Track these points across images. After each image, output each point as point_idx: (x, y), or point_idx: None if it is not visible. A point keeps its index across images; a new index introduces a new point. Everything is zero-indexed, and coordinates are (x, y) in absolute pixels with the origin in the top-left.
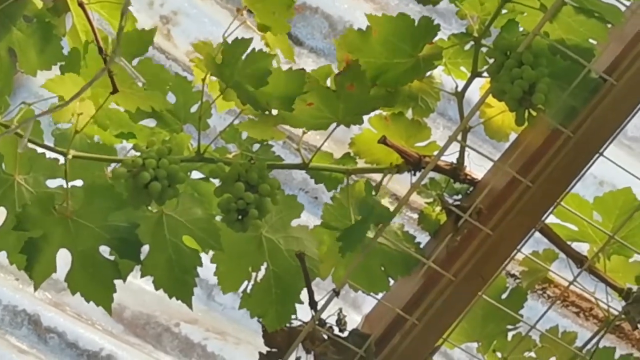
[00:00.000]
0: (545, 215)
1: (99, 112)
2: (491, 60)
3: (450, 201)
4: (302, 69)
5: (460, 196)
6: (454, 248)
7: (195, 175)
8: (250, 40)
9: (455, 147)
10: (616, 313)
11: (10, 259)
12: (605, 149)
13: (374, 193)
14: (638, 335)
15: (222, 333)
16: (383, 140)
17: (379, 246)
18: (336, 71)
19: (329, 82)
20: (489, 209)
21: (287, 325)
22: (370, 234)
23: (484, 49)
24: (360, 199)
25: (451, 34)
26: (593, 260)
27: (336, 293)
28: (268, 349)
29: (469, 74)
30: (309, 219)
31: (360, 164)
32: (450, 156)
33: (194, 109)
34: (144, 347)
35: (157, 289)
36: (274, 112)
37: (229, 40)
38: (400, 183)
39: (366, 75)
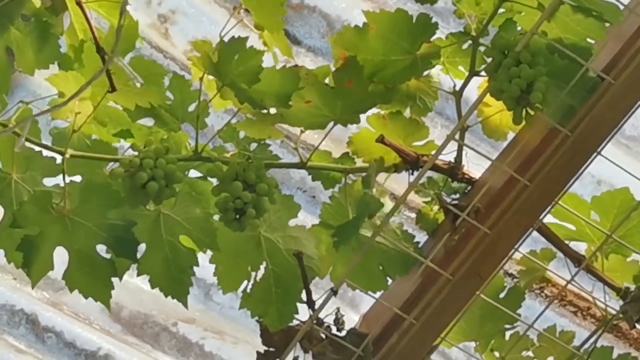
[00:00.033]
0: (543, 215)
1: (98, 111)
2: (489, 60)
3: (448, 200)
4: (296, 65)
5: (458, 195)
6: (452, 247)
7: (193, 174)
8: (245, 39)
9: (453, 146)
10: (614, 312)
11: (8, 257)
12: (603, 148)
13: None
14: (636, 334)
15: (219, 332)
16: (381, 139)
17: (378, 245)
18: (333, 70)
19: (327, 82)
20: (487, 208)
21: None
22: (369, 233)
23: (481, 48)
24: (358, 197)
25: (449, 33)
26: (591, 260)
27: (334, 292)
28: (266, 348)
29: (466, 73)
30: (306, 218)
31: (359, 163)
32: (448, 155)
33: (191, 107)
34: (142, 346)
35: (153, 287)
36: (272, 111)
37: (226, 39)
38: (398, 182)
39: (364, 71)
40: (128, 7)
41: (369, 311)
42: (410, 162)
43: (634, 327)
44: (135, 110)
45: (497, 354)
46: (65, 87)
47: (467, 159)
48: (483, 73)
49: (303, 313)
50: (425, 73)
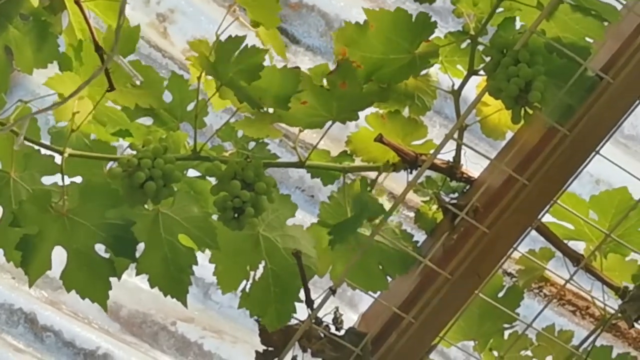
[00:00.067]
0: (542, 214)
1: (96, 110)
2: (488, 59)
3: (447, 199)
4: (297, 67)
5: (456, 194)
6: (451, 246)
7: (192, 173)
8: (243, 37)
9: (451, 145)
10: (612, 312)
11: (6, 256)
12: (602, 147)
13: (369, 189)
14: (634, 333)
15: (218, 332)
16: (379, 139)
17: (377, 244)
18: (333, 67)
19: (325, 81)
20: (486, 208)
21: None
22: (367, 232)
23: (480, 47)
24: (357, 197)
25: (448, 32)
26: (589, 259)
27: (333, 291)
28: (264, 348)
29: (465, 72)
30: (305, 217)
31: (357, 162)
32: (446, 154)
33: (190, 107)
34: (141, 345)
35: (152, 287)
36: (270, 110)
37: (223, 37)
38: (397, 181)
39: (357, 73)
40: (127, 6)
41: (368, 310)
42: (408, 162)
43: (633, 326)
44: (134, 109)
45: (495, 353)
46: (63, 88)
47: (465, 158)
48: (482, 72)
49: (302, 312)
50: (424, 72)
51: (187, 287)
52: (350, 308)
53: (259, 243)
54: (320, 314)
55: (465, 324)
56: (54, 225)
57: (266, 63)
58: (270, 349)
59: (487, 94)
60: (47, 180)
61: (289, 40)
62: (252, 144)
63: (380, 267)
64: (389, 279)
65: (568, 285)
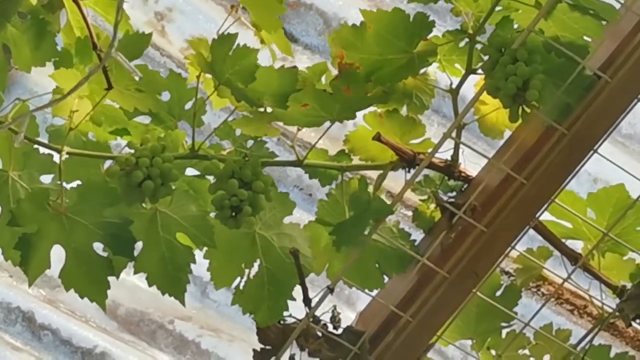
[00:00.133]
0: (540, 213)
1: (95, 109)
2: (486, 57)
3: (445, 198)
4: (295, 67)
5: (454, 193)
6: (448, 245)
7: (190, 172)
8: (235, 35)
9: (449, 144)
10: (610, 310)
11: (4, 255)
12: (600, 146)
13: (370, 190)
14: (632, 332)
15: (216, 330)
16: (378, 138)
17: (374, 243)
18: (331, 68)
19: (323, 79)
20: (483, 206)
21: (281, 322)
22: (365, 231)
23: (478, 46)
24: (354, 195)
25: (446, 31)
26: (587, 258)
27: (330, 290)
28: (262, 346)
29: (463, 71)
30: (302, 216)
31: (355, 161)
32: (444, 153)
33: (188, 105)
34: (138, 344)
35: (150, 285)
36: (269, 109)
37: None
38: (395, 180)
39: (361, 77)
40: (125, 5)
41: (366, 309)
42: (406, 160)
43: (630, 325)
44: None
45: (493, 352)
46: (66, 83)
47: (463, 157)
48: (480, 71)
49: (299, 311)
50: (422, 71)
51: (185, 286)
52: (347, 307)
53: (255, 241)
54: (317, 313)
55: (462, 323)
56: (52, 224)
57: (267, 62)
58: (267, 347)
59: (485, 92)
60: (45, 179)
61: (287, 38)
62: (250, 143)
63: (378, 265)
64: (387, 277)
65: (566, 284)
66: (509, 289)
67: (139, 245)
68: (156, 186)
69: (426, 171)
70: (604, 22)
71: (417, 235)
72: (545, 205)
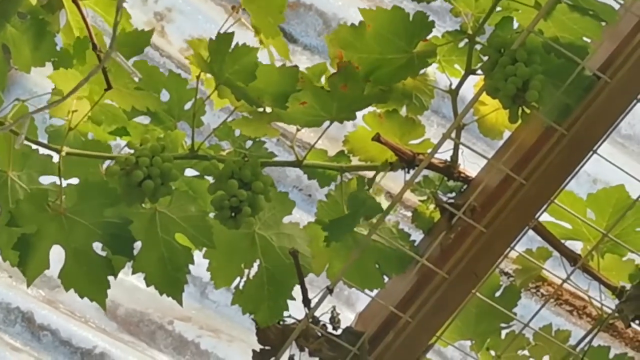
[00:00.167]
0: (539, 213)
1: (94, 108)
2: (485, 58)
3: (444, 199)
4: (295, 66)
5: (454, 194)
6: (448, 246)
7: (189, 172)
8: (232, 34)
9: (449, 144)
10: (609, 311)
11: (3, 255)
12: (599, 146)
13: (366, 188)
14: (631, 333)
15: (215, 330)
16: (377, 138)
17: (374, 243)
18: (330, 68)
19: (323, 80)
20: (483, 207)
21: (281, 322)
22: (364, 231)
23: (478, 47)
24: (352, 194)
25: (445, 31)
26: (586, 259)
27: (330, 291)
28: (261, 347)
29: (463, 72)
30: (302, 216)
31: (354, 161)
32: (444, 154)
33: (187, 106)
34: (138, 344)
35: (148, 285)
36: (268, 109)
37: None
38: (394, 181)
39: (359, 75)
40: (124, 5)
41: (365, 310)
42: (406, 161)
43: (630, 326)
44: (132, 109)
45: (492, 352)
46: (64, 84)
47: (463, 157)
48: (479, 71)
49: (299, 311)
50: (422, 71)
51: (183, 287)
52: (347, 307)
53: (254, 241)
54: (317, 313)
55: (462, 324)
56: (51, 225)
57: (266, 62)
58: (267, 348)
59: (484, 93)
60: (44, 180)
61: (287, 39)
62: (249, 143)
63: (377, 266)
64: (386, 278)
65: (565, 285)
66: (509, 290)
67: (138, 245)
68: (156, 186)
69: (425, 172)
70: (603, 23)
71: (417, 236)
72: (545, 206)
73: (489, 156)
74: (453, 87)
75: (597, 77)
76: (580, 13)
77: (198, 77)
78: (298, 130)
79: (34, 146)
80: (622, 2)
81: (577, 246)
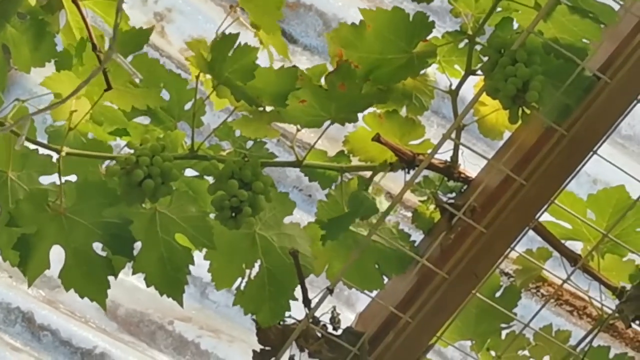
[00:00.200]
0: (539, 214)
1: (94, 109)
2: (485, 58)
3: (444, 199)
4: (294, 66)
5: (454, 194)
6: (448, 246)
7: (189, 173)
8: (237, 35)
9: (449, 145)
10: (610, 312)
11: (3, 255)
12: (599, 147)
13: (365, 188)
14: (631, 334)
15: (215, 331)
16: (377, 138)
17: (374, 244)
18: (330, 68)
19: (323, 81)
20: (483, 207)
21: (281, 323)
22: (364, 232)
23: (478, 47)
24: (352, 194)
25: (445, 32)
26: (587, 259)
27: (330, 291)
28: (262, 347)
29: (463, 72)
30: (302, 216)
31: (354, 161)
32: (444, 154)
33: (187, 106)
34: (138, 345)
35: (148, 286)
36: (268, 109)
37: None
38: (395, 181)
39: (357, 74)
40: (124, 5)
41: (365, 310)
42: (406, 161)
43: (630, 326)
44: (132, 108)
45: (493, 353)
46: (60, 88)
47: (463, 158)
48: (479, 72)
49: (299, 311)
50: (422, 72)
51: (183, 287)
52: (347, 307)
53: (255, 242)
54: (317, 314)
55: (462, 324)
56: (51, 225)
57: (265, 64)
58: (267, 348)
59: (484, 93)
60: (44, 180)
61: (287, 39)
62: (249, 143)
63: (377, 266)
64: (386, 278)
65: (565, 285)
66: (509, 290)
67: (138, 245)
68: (156, 185)
69: (426, 172)
70: (602, 25)
71: (417, 236)
72: (545, 206)
73: (489, 157)
74: (453, 87)
75: (597, 78)
76: (580, 15)
77: (197, 77)
78: (298, 130)
79: (34, 146)
80: (622, 2)
81: (577, 246)
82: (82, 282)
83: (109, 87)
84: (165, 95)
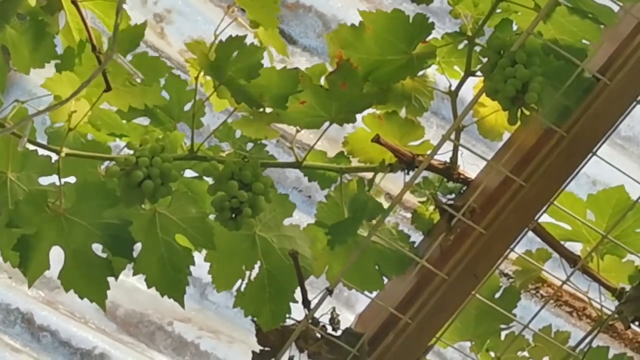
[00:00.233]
0: (539, 215)
1: (92, 113)
2: (485, 60)
3: (444, 200)
4: (296, 68)
5: (453, 195)
6: (448, 247)
7: (189, 173)
8: (244, 37)
9: (448, 146)
10: (609, 312)
11: (3, 256)
12: (599, 148)
13: (367, 189)
14: (631, 334)
15: (215, 332)
16: (377, 139)
17: (373, 245)
18: (329, 68)
19: (322, 81)
20: (483, 208)
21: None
22: (364, 233)
23: (477, 48)
24: (353, 197)
25: (445, 33)
26: (586, 260)
27: (329, 292)
28: (261, 348)
29: (462, 73)
30: (302, 217)
31: (354, 162)
32: (443, 155)
33: (187, 107)
34: (137, 345)
35: (149, 287)
36: (268, 110)
37: (221, 37)
38: (394, 182)
39: (358, 74)
40: (124, 6)
41: (365, 311)
42: (405, 162)
43: (629, 327)
44: (131, 109)
45: (492, 354)
46: (60, 89)
47: (462, 159)
48: (479, 73)
49: (298, 312)
50: (421, 73)
51: (184, 288)
52: (347, 308)
53: (255, 243)
54: (317, 314)
55: (462, 325)
56: (51, 226)
57: (266, 64)
58: (266, 349)
59: (484, 95)
60: (44, 181)
61: (286, 40)
62: (249, 145)
63: (377, 267)
64: (386, 279)
65: (565, 286)
66: (508, 291)
67: (138, 246)
68: (156, 186)
69: (425, 173)
70: (602, 26)
71: (417, 237)
72: (545, 207)
73: (488, 158)
74: (452, 88)
75: (597, 79)
76: (580, 16)
77: (197, 78)
78: (298, 131)
79: (33, 147)
80: (621, 4)
81: (576, 247)
82: (81, 283)
83: (108, 88)
84: (165, 96)
